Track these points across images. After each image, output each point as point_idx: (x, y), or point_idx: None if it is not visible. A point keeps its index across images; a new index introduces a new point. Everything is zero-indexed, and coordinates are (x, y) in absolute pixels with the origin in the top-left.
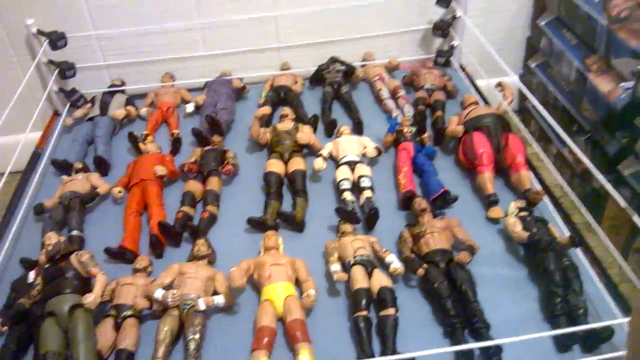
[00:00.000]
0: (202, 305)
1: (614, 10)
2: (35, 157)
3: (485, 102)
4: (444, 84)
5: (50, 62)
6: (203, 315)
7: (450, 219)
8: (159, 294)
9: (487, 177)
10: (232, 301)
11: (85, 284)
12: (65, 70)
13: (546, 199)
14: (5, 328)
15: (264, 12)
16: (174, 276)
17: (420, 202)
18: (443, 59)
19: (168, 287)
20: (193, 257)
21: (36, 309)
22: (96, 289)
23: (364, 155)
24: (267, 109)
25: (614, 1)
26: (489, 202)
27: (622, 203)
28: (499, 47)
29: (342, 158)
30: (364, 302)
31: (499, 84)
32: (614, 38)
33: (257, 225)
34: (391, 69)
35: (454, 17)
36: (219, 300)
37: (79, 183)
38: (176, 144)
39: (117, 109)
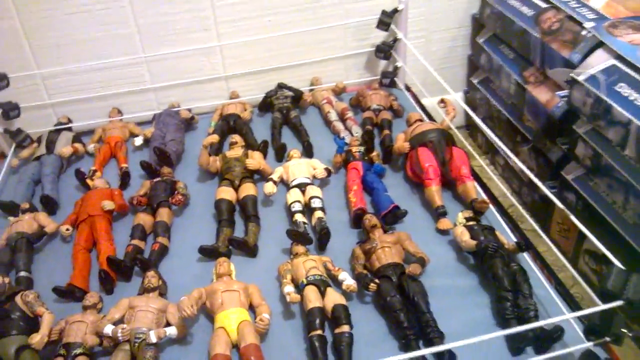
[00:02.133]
0: (153, 337)
1: (545, 24)
2: None
3: (431, 119)
4: (390, 104)
5: None
6: (155, 348)
7: (400, 233)
8: (108, 329)
9: (435, 190)
10: (184, 331)
11: (32, 325)
12: (9, 110)
13: (494, 209)
14: None
15: (208, 42)
16: (124, 311)
17: (371, 219)
18: (388, 80)
19: (119, 322)
20: (144, 290)
21: None
22: (42, 328)
23: (314, 177)
24: (214, 137)
25: (544, 15)
26: (438, 214)
27: (560, 205)
28: (441, 66)
29: (292, 181)
30: (317, 321)
31: (442, 101)
32: (548, 50)
33: (210, 253)
34: (338, 92)
35: (395, 39)
36: (171, 331)
37: (26, 223)
38: (125, 178)
39: (64, 147)
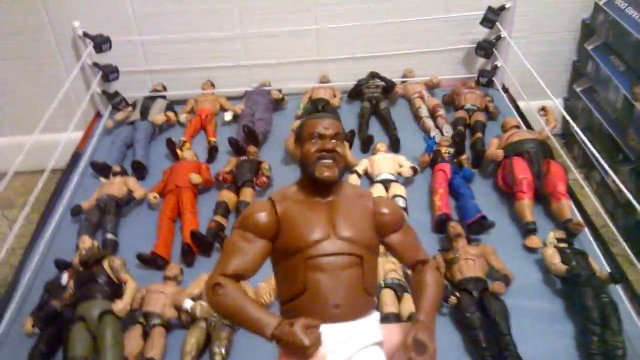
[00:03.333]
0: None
1: None
2: (76, 157)
3: (527, 125)
4: (485, 105)
5: (95, 64)
6: (230, 330)
7: (485, 246)
8: (187, 304)
9: (526, 205)
10: None
11: (115, 290)
12: (109, 73)
13: (587, 230)
14: (36, 330)
15: (306, 25)
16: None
17: (456, 227)
18: (485, 79)
19: (197, 298)
20: None
21: (67, 312)
22: (126, 296)
23: (399, 174)
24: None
25: None
26: (527, 230)
27: None
28: (543, 70)
29: (377, 176)
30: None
31: (543, 109)
32: None
33: None
34: (431, 86)
35: (498, 38)
36: None
37: (116, 186)
38: (212, 153)
39: (158, 114)
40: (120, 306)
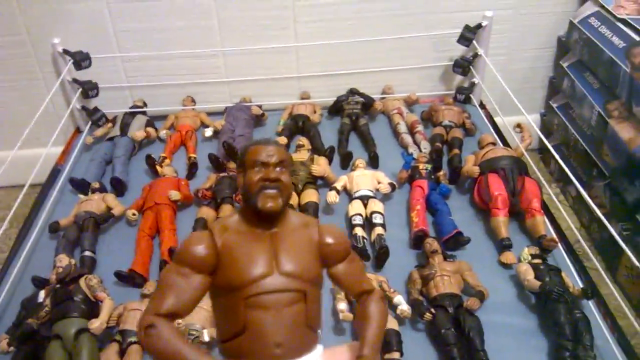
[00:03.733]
0: (206, 336)
1: (637, 59)
2: (55, 173)
3: (504, 141)
4: (462, 121)
5: (75, 80)
6: (206, 348)
7: (461, 263)
8: None
9: (502, 221)
10: None
11: (92, 308)
12: (88, 89)
13: (560, 246)
14: (12, 348)
15: (285, 42)
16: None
17: (432, 244)
18: (462, 96)
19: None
20: None
21: (43, 330)
22: (102, 314)
23: (377, 190)
24: (283, 139)
25: (637, 49)
26: (502, 246)
27: (628, 252)
28: (520, 86)
29: (355, 192)
30: None
31: (518, 125)
32: (637, 86)
33: None
34: (410, 103)
35: (475, 55)
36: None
37: (95, 203)
38: (192, 169)
39: (138, 130)
40: (96, 324)
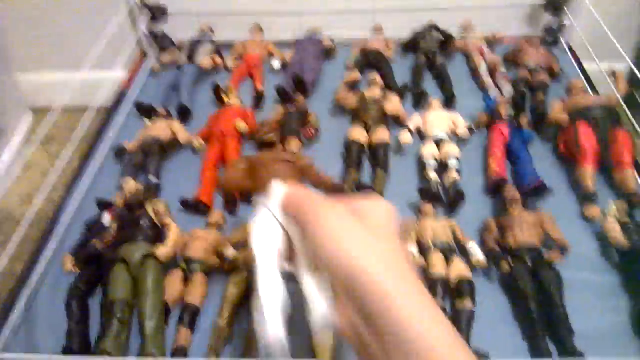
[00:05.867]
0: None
1: None
2: (120, 97)
3: (593, 89)
4: (549, 65)
5: (144, 4)
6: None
7: (543, 215)
8: (229, 252)
9: (589, 173)
10: None
11: (158, 234)
12: (157, 13)
13: None
14: (76, 269)
15: None
16: (247, 236)
17: (512, 192)
18: (551, 38)
19: (239, 246)
20: None
21: (108, 253)
22: (168, 241)
23: (453, 133)
24: (357, 75)
25: None
26: (587, 199)
27: None
28: (617, 32)
29: (430, 133)
30: (439, 290)
31: (613, 74)
32: None
33: (335, 194)
34: (493, 42)
35: None
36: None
37: (161, 129)
38: (258, 100)
39: (204, 58)
40: (163, 251)
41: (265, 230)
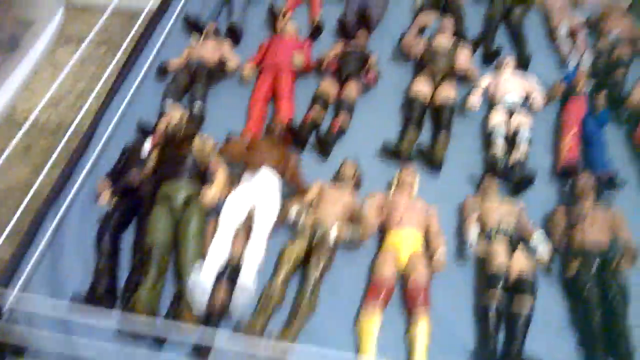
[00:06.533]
0: (333, 234)
1: None
2: (166, 5)
3: None
4: (633, 37)
5: None
6: (331, 248)
7: (615, 213)
8: (293, 211)
9: None
10: (366, 237)
11: (203, 173)
12: None
13: None
14: (112, 204)
15: None
16: (313, 196)
17: (587, 181)
18: None
19: (306, 207)
20: (337, 178)
21: (147, 186)
22: (217, 184)
23: (526, 100)
24: (430, 18)
25: None
26: None
27: None
28: None
29: (501, 97)
30: (500, 283)
31: None
32: None
33: (391, 154)
34: (575, 2)
35: None
36: (353, 234)
37: (210, 51)
38: (316, 31)
39: None
40: (209, 196)
41: (238, 203)
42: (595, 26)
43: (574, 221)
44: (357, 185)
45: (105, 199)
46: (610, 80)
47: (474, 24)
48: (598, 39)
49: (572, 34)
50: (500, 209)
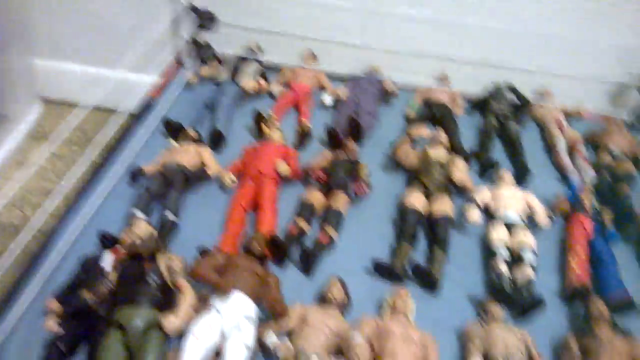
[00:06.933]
0: None
1: None
2: (147, 107)
3: None
4: (634, 153)
5: (192, 8)
6: None
7: (636, 344)
8: (270, 340)
9: None
10: None
11: (168, 297)
12: (205, 20)
13: None
14: (60, 329)
15: (439, 14)
16: (295, 321)
17: (600, 307)
18: None
19: (284, 335)
20: (322, 298)
21: (102, 310)
22: (181, 309)
23: (529, 218)
24: (425, 131)
25: None
26: None
27: None
28: None
29: (500, 213)
30: None
31: None
32: None
33: (384, 272)
34: (572, 115)
35: None
36: None
37: (189, 156)
38: (304, 138)
39: (249, 79)
40: (173, 323)
41: (205, 333)
42: (594, 141)
43: (589, 353)
44: (345, 306)
45: (53, 325)
46: (616, 197)
47: (469, 135)
48: (596, 153)
49: (571, 148)
50: (507, 339)
